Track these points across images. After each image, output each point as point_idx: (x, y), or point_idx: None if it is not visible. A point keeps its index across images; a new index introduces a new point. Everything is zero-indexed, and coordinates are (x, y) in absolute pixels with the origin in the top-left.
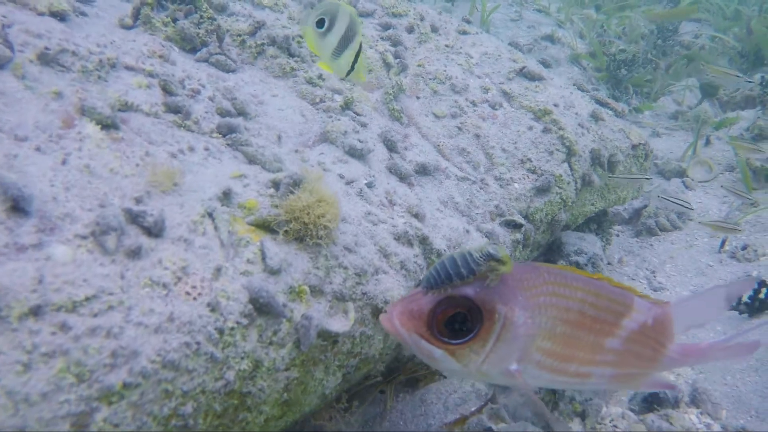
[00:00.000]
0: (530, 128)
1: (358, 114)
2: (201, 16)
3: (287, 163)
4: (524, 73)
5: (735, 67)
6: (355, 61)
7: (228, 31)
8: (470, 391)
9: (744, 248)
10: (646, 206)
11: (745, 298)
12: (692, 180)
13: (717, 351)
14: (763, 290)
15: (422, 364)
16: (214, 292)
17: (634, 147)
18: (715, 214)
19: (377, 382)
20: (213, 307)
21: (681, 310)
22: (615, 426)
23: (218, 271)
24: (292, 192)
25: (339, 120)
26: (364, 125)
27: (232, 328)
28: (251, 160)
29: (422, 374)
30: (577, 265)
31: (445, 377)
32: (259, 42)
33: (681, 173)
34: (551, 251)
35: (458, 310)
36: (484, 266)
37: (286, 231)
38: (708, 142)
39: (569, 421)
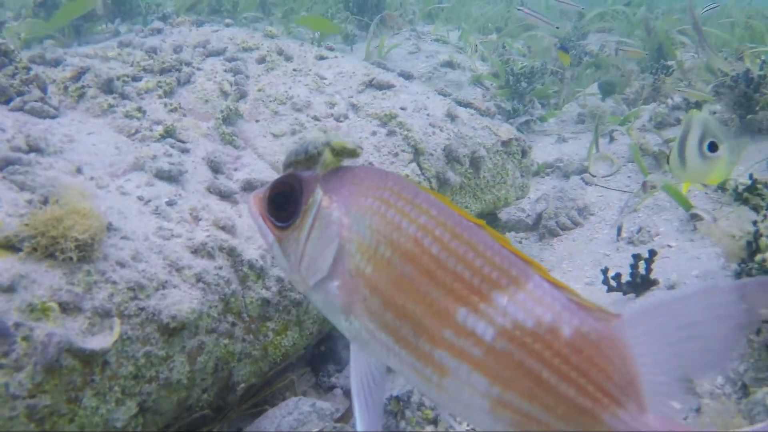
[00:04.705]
0: (373, 133)
1: (182, 141)
2: (15, 68)
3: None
4: (374, 84)
5: (641, 66)
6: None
7: (54, 80)
8: (310, 411)
9: (639, 231)
10: (546, 209)
11: (626, 277)
12: (593, 176)
13: None
14: (641, 263)
15: (263, 397)
16: None
17: (504, 143)
18: (615, 204)
19: (204, 415)
20: None
21: (647, 332)
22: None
23: None
24: (40, 207)
25: (149, 147)
26: (185, 151)
27: None
28: (22, 188)
29: (258, 410)
30: None
31: (285, 398)
32: (79, 86)
33: (583, 172)
34: None
35: (289, 190)
36: (319, 150)
37: (34, 248)
38: (612, 139)
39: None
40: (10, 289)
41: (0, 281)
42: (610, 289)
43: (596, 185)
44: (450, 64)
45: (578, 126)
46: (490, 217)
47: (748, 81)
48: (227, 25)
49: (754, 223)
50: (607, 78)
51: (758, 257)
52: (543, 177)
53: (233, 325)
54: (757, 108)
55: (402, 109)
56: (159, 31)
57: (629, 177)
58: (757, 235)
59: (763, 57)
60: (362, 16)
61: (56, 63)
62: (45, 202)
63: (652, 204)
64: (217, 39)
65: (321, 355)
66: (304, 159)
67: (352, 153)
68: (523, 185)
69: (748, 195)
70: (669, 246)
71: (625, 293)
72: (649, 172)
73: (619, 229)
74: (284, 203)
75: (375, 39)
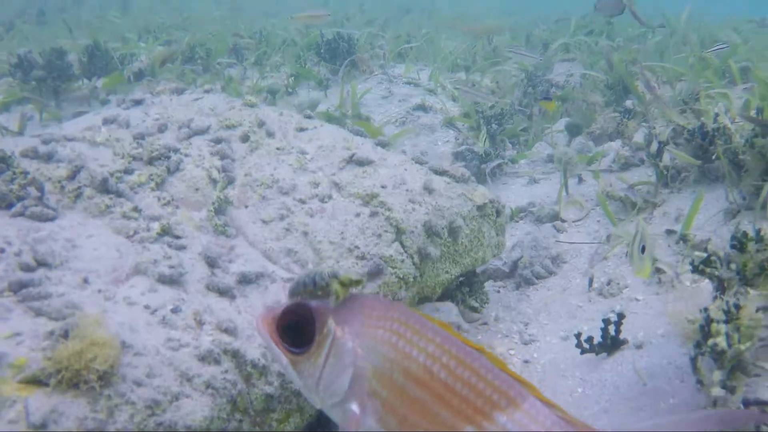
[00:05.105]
0: (357, 215)
1: (177, 237)
2: (14, 173)
3: (87, 306)
4: (355, 160)
5: (605, 99)
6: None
7: (50, 178)
8: None
9: (608, 283)
10: (521, 257)
11: (597, 338)
12: (563, 222)
13: None
14: (610, 327)
15: None
16: None
17: (479, 207)
18: (586, 251)
19: None
20: None
21: None
22: None
23: None
24: (62, 342)
25: (149, 251)
26: (182, 248)
27: None
28: (38, 314)
29: None
30: None
31: None
32: (76, 186)
33: (555, 216)
34: None
35: (298, 317)
36: (327, 282)
37: (59, 381)
38: (581, 180)
39: None
40: (42, 426)
41: (33, 420)
42: (584, 351)
43: (563, 241)
44: (422, 108)
45: (548, 165)
46: (469, 274)
47: (703, 135)
48: (207, 91)
49: (705, 309)
50: (573, 120)
51: (710, 341)
52: (517, 221)
53: (240, 421)
54: (713, 157)
55: (383, 187)
56: (140, 102)
57: (598, 221)
58: (708, 320)
59: (717, 102)
60: (334, 62)
61: (49, 157)
62: (65, 335)
63: (620, 253)
64: (198, 112)
65: (317, 425)
66: (312, 289)
67: (358, 283)
68: (499, 243)
69: (703, 267)
70: (636, 299)
71: (597, 354)
72: (617, 218)
73: (591, 281)
74: (295, 330)
75: (347, 84)
